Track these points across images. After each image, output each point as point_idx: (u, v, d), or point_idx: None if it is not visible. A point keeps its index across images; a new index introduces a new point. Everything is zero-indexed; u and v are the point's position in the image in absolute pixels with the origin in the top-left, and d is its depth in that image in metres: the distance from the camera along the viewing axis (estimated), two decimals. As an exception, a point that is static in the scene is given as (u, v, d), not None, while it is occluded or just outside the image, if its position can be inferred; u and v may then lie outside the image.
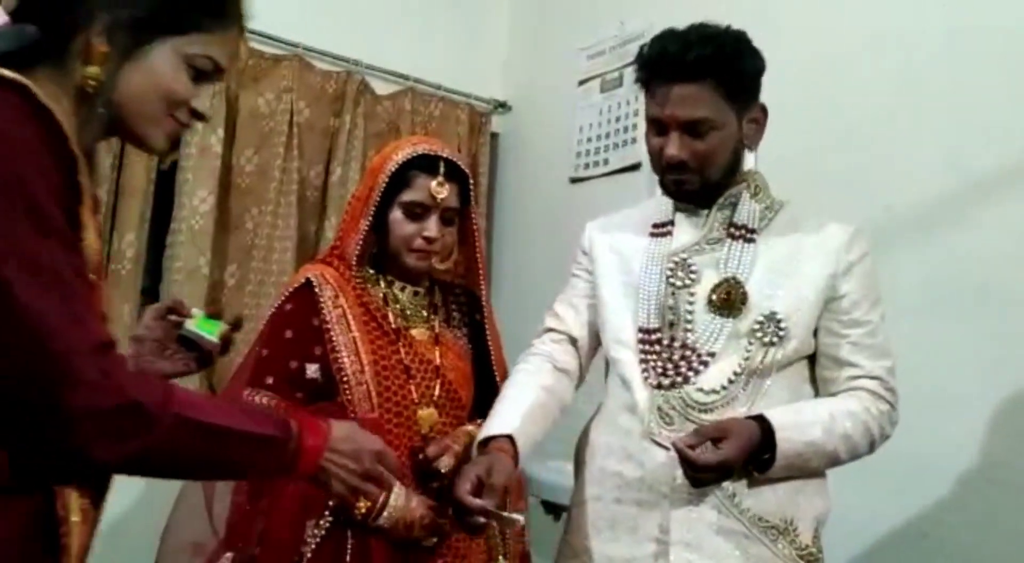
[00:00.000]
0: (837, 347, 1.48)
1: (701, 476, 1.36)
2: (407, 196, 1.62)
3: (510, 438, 1.47)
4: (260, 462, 1.03)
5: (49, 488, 0.91)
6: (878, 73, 2.24)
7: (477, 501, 1.36)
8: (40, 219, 0.86)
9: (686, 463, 1.34)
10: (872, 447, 1.47)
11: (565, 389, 1.62)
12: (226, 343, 1.25)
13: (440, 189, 1.61)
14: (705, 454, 1.33)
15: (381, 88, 3.27)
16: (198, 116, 1.08)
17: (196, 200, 2.81)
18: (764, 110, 1.53)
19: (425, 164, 1.62)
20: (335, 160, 3.10)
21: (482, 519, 1.36)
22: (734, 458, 1.34)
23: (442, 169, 1.62)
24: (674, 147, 1.46)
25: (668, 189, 1.54)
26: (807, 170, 2.26)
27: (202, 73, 1.06)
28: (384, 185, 1.60)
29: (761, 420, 1.39)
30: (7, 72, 0.89)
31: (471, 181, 1.71)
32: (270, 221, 2.94)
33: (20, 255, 0.84)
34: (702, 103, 1.44)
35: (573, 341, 1.66)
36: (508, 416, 1.52)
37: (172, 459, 0.94)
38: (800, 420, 1.42)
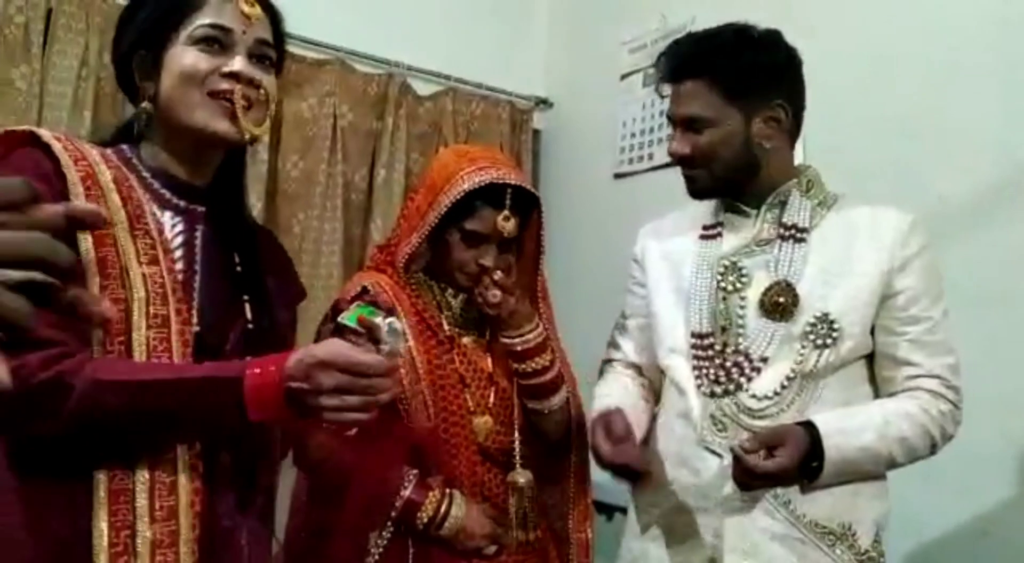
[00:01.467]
0: (895, 346, 1.44)
1: (756, 484, 1.34)
2: (469, 225, 1.55)
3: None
4: (205, 404, 1.01)
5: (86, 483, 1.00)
6: (930, 62, 2.20)
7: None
8: None
9: (742, 469, 1.32)
10: (933, 449, 1.44)
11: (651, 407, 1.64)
12: (369, 329, 1.10)
13: (505, 224, 1.53)
14: (763, 463, 1.32)
15: (422, 89, 3.27)
16: (235, 76, 1.09)
17: (244, 206, 2.84)
18: (787, 108, 1.48)
19: (491, 194, 1.54)
20: (379, 163, 3.11)
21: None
22: (790, 467, 1.32)
23: (508, 202, 1.54)
24: (676, 143, 1.50)
25: (686, 187, 1.55)
26: (859, 161, 2.23)
27: (214, 42, 1.09)
28: (445, 208, 1.54)
29: (810, 427, 1.37)
30: (27, 128, 1.04)
31: (540, 204, 1.63)
32: (316, 225, 2.96)
33: None
34: (695, 100, 1.47)
35: (637, 369, 1.68)
36: (615, 400, 1.56)
37: (111, 417, 0.99)
38: (851, 425, 1.39)
